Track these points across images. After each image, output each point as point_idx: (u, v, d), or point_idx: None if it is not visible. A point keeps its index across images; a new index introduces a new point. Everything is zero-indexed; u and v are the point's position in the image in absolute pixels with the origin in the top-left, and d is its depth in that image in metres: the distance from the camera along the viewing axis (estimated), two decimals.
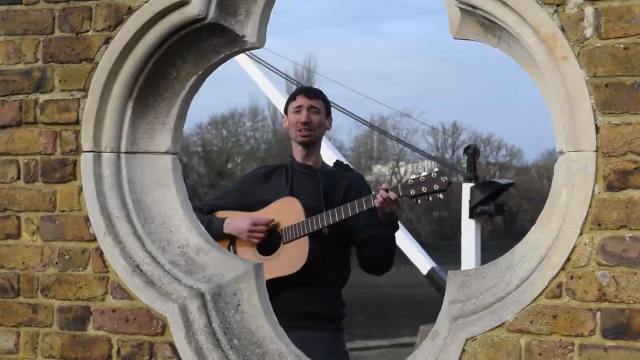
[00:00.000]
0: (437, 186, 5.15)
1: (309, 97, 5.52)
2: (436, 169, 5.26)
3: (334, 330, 5.46)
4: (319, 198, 5.38)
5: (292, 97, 5.59)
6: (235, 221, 5.41)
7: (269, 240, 5.41)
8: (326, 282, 5.37)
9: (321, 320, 5.36)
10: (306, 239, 5.29)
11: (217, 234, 5.28)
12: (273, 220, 5.37)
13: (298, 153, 5.54)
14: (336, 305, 5.49)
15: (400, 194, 5.16)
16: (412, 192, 5.17)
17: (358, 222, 5.32)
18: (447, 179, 5.16)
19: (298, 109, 5.49)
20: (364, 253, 5.41)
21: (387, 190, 5.11)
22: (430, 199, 5.22)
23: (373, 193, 5.19)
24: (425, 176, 5.19)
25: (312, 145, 5.52)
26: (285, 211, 5.37)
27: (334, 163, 5.81)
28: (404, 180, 5.32)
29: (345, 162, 5.91)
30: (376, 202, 5.10)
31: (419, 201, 5.26)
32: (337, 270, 5.47)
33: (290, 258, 5.31)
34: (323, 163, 5.64)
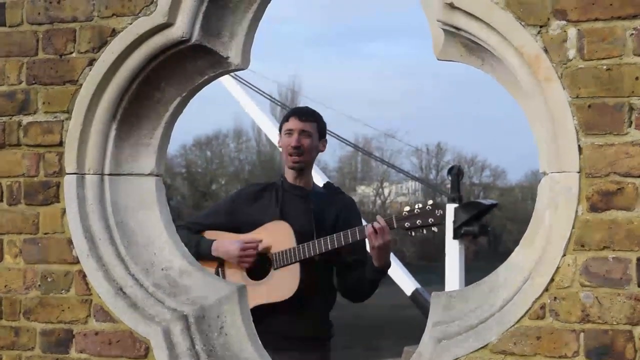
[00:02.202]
0: (432, 220, 5.19)
1: (301, 119, 5.45)
2: (430, 202, 5.28)
3: (323, 351, 5.44)
4: (310, 221, 5.35)
5: (285, 118, 5.53)
6: (224, 244, 5.35)
7: (259, 264, 5.37)
8: (316, 306, 5.36)
9: (310, 342, 5.34)
10: (297, 265, 5.26)
11: (205, 255, 5.27)
12: (261, 240, 5.34)
13: (290, 175, 5.50)
14: (325, 327, 5.47)
15: (395, 226, 5.16)
16: (407, 224, 5.19)
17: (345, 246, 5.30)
18: (441, 212, 5.20)
19: (289, 132, 5.43)
20: (345, 278, 5.40)
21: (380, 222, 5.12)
22: (425, 231, 5.23)
23: (366, 223, 5.19)
24: (420, 209, 5.20)
25: (302, 170, 5.48)
26: (276, 235, 5.33)
27: (325, 185, 5.79)
28: (398, 213, 5.30)
29: (335, 185, 5.88)
30: (368, 232, 5.09)
31: (413, 233, 5.26)
32: (325, 292, 5.45)
33: (282, 284, 5.27)
34: (314, 184, 5.61)
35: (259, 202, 5.50)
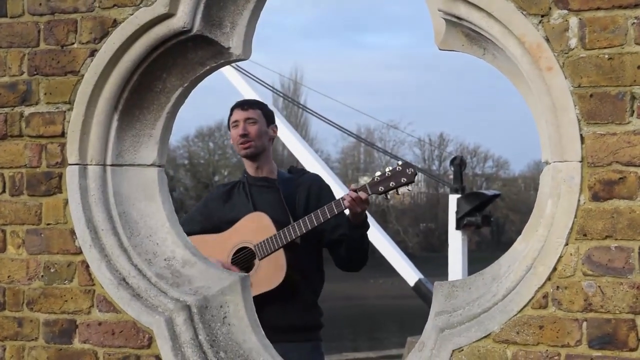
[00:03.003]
0: (405, 179, 5.12)
1: (244, 108, 5.53)
2: (400, 162, 5.24)
3: (315, 340, 5.46)
4: (284, 208, 5.38)
5: (230, 113, 5.60)
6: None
7: (244, 259, 5.39)
8: (304, 293, 5.38)
9: (302, 332, 5.36)
10: (281, 252, 5.27)
11: None
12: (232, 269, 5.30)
13: (249, 167, 5.55)
14: (315, 315, 5.49)
15: (370, 192, 5.15)
16: (381, 188, 5.15)
17: (327, 224, 5.30)
18: (412, 170, 5.13)
19: (235, 123, 5.51)
20: (338, 253, 5.41)
21: (355, 191, 5.10)
22: (399, 192, 5.20)
23: (342, 196, 5.18)
24: (390, 171, 5.15)
25: (258, 156, 5.51)
26: (255, 227, 5.35)
27: (289, 169, 5.79)
28: (370, 179, 5.29)
29: (299, 167, 5.87)
30: (346, 203, 5.09)
31: (389, 196, 5.23)
32: (312, 278, 5.47)
33: (269, 273, 5.29)
34: (279, 172, 5.62)
35: (231, 200, 5.55)
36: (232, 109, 5.58)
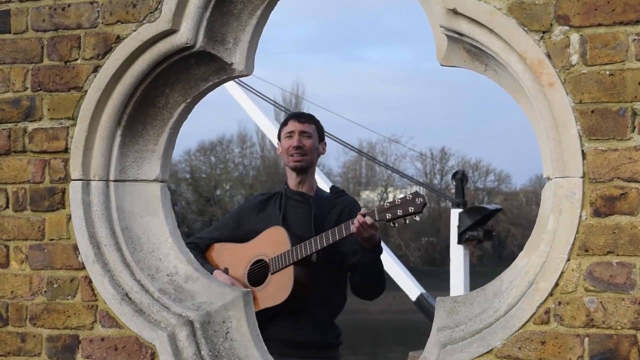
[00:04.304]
0: (412, 208, 5.12)
1: (301, 121, 5.49)
2: (411, 191, 5.25)
3: (326, 358, 5.43)
4: (310, 226, 5.36)
5: (284, 123, 5.57)
6: (220, 279, 5.18)
7: (259, 272, 5.39)
8: (317, 310, 5.34)
9: (312, 349, 5.33)
10: (291, 268, 5.26)
11: None
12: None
13: (292, 180, 5.51)
14: (328, 333, 5.45)
15: (377, 218, 5.15)
16: (388, 215, 5.14)
17: (348, 248, 5.29)
18: (422, 200, 5.13)
19: (290, 134, 5.45)
20: (353, 279, 5.40)
21: (364, 215, 5.11)
22: (407, 221, 5.21)
23: (351, 219, 5.20)
24: (400, 199, 5.16)
25: (305, 170, 5.49)
26: (273, 241, 5.35)
27: (330, 188, 5.78)
28: (380, 204, 5.31)
29: (340, 188, 5.88)
30: (353, 228, 5.10)
31: (396, 224, 5.24)
32: (329, 297, 5.43)
33: (276, 288, 5.28)
34: (318, 189, 5.60)
35: (264, 211, 5.53)
36: (287, 120, 5.56)
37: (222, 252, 5.51)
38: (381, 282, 5.44)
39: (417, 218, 5.22)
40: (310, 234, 5.30)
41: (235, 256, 5.44)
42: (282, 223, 5.38)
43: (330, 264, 5.36)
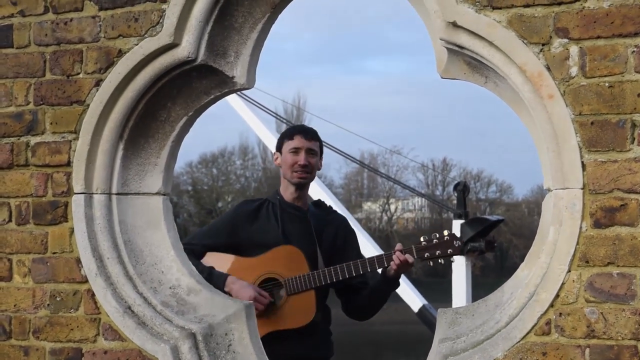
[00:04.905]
0: (451, 250, 5.23)
1: (307, 138, 5.48)
2: (447, 232, 5.30)
3: None
4: (313, 242, 5.38)
5: (289, 137, 5.53)
6: (237, 287, 5.25)
7: (269, 290, 5.36)
8: (322, 328, 5.40)
9: None
10: (312, 292, 5.29)
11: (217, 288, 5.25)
12: (272, 302, 5.32)
13: (289, 193, 5.51)
14: (329, 346, 5.52)
15: (416, 257, 5.20)
16: (427, 255, 5.23)
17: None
18: (459, 244, 5.22)
19: (296, 151, 5.45)
20: (352, 299, 5.43)
21: (402, 252, 5.16)
22: (443, 262, 5.27)
23: (384, 253, 5.26)
24: (438, 239, 5.24)
25: (305, 186, 5.53)
26: (288, 261, 5.34)
27: (315, 202, 5.77)
28: (417, 243, 5.33)
29: (325, 203, 5.87)
30: (393, 265, 5.15)
31: (432, 263, 5.30)
32: (326, 311, 5.49)
33: (298, 311, 5.29)
34: (308, 203, 5.65)
35: (258, 221, 5.49)
36: (293, 134, 5.53)
37: (221, 262, 5.44)
38: (381, 307, 5.54)
39: (454, 260, 5.31)
40: (313, 250, 5.32)
41: (239, 269, 5.38)
42: (282, 237, 5.38)
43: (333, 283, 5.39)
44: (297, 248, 5.34)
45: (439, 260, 5.27)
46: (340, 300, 5.51)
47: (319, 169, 5.62)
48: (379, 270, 5.33)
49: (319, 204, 5.75)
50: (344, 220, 5.71)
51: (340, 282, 5.35)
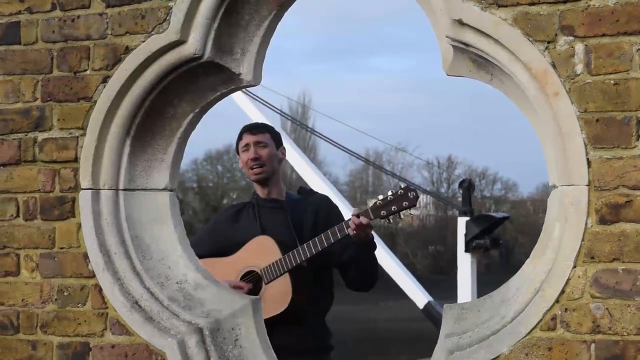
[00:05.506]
0: (407, 202, 5.14)
1: (254, 132, 5.56)
2: (402, 185, 5.26)
3: None
4: (290, 230, 5.40)
5: (238, 137, 5.62)
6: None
7: (252, 284, 5.40)
8: (309, 316, 5.38)
9: (308, 355, 5.35)
10: (287, 276, 5.29)
11: None
12: (248, 287, 5.35)
13: (260, 190, 5.58)
14: (322, 337, 5.50)
15: (372, 217, 5.16)
16: (383, 212, 5.16)
17: (333, 246, 5.30)
18: (414, 194, 5.15)
19: (246, 147, 5.52)
20: (348, 274, 5.42)
21: (358, 216, 5.13)
22: (402, 216, 5.22)
23: (345, 220, 5.22)
24: (392, 195, 5.18)
25: (269, 179, 5.54)
26: (261, 251, 5.37)
27: (298, 190, 5.80)
28: (372, 203, 5.32)
29: (307, 188, 5.89)
30: (349, 230, 5.12)
31: (391, 220, 5.24)
32: (318, 299, 5.47)
33: (275, 297, 5.29)
34: (288, 193, 5.65)
35: (239, 223, 5.57)
36: (241, 133, 5.60)
37: (206, 267, 5.45)
38: (376, 272, 5.52)
39: (412, 212, 5.28)
40: (290, 238, 5.34)
41: (221, 270, 5.38)
42: (261, 231, 5.41)
43: (318, 265, 5.38)
44: (268, 236, 5.37)
45: (399, 216, 5.23)
46: (343, 279, 5.52)
47: (282, 158, 5.64)
48: None
49: (300, 190, 5.79)
50: (324, 198, 5.73)
51: (327, 261, 5.36)
